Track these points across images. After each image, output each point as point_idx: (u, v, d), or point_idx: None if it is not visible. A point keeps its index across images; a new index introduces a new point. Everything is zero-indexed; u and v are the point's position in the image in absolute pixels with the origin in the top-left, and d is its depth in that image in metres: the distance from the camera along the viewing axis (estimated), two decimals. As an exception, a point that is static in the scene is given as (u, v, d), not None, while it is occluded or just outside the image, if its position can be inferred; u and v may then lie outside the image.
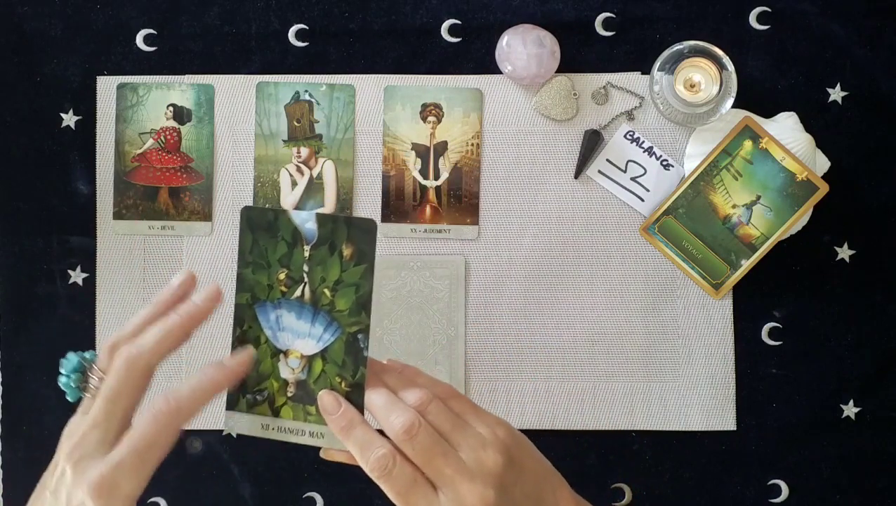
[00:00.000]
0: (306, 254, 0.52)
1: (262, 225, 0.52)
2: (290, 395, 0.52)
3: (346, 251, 0.51)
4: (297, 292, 0.52)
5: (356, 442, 0.49)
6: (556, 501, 0.52)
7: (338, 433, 0.50)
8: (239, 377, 0.51)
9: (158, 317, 0.51)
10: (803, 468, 0.75)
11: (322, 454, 0.53)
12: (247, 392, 0.53)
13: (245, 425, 0.53)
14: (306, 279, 0.52)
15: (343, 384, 0.52)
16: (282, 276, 0.52)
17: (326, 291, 0.52)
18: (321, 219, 0.51)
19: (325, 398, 0.51)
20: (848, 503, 0.75)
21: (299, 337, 0.52)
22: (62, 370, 0.50)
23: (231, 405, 0.53)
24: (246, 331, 0.52)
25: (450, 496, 0.48)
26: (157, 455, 0.47)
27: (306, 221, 0.52)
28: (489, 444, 0.50)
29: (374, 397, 0.51)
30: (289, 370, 0.52)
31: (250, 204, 0.75)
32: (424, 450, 0.48)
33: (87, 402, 0.50)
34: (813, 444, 0.75)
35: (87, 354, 0.51)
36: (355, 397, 0.51)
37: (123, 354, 0.48)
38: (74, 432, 0.48)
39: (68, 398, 0.51)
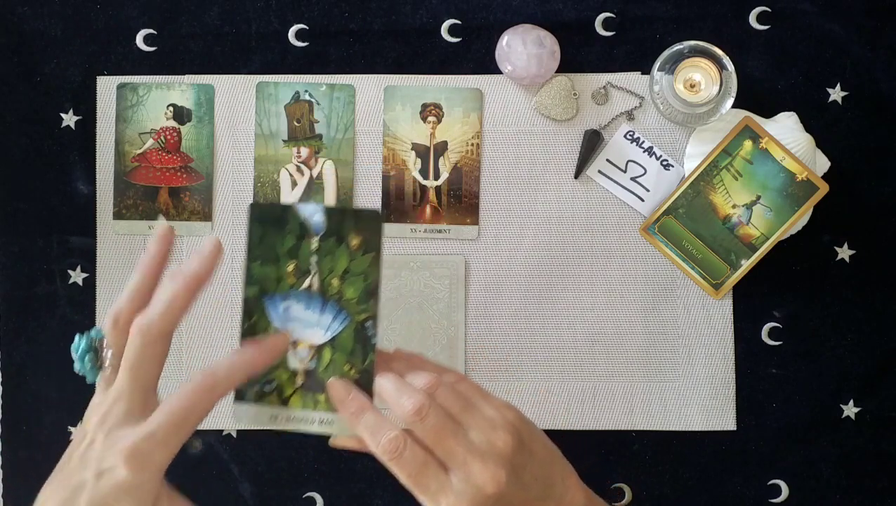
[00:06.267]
0: (314, 246, 0.52)
1: (271, 220, 0.52)
2: (299, 385, 0.53)
3: (354, 241, 0.52)
4: (306, 283, 0.53)
5: (367, 427, 0.50)
6: (565, 487, 0.52)
7: (348, 419, 0.51)
8: (274, 359, 0.51)
9: (150, 278, 0.50)
10: (803, 468, 0.75)
11: (331, 442, 0.53)
12: (255, 383, 0.53)
13: (253, 416, 0.53)
14: (314, 270, 0.52)
15: (352, 372, 0.52)
16: (290, 268, 0.53)
17: (335, 280, 0.52)
18: (328, 211, 0.52)
19: (335, 385, 0.52)
20: (848, 503, 0.75)
21: (308, 327, 0.53)
22: (75, 355, 0.50)
23: (240, 397, 0.53)
24: (254, 323, 0.52)
25: (461, 477, 0.48)
26: (188, 428, 0.47)
27: (314, 214, 0.52)
28: (499, 425, 0.50)
29: (384, 382, 0.51)
30: (297, 361, 0.53)
31: (252, 202, 0.75)
32: (435, 430, 0.49)
33: (104, 378, 0.50)
34: (813, 444, 0.75)
35: (93, 333, 0.51)
36: (364, 383, 0.52)
37: (136, 325, 0.48)
38: (100, 406, 0.48)
39: (88, 380, 0.51)
